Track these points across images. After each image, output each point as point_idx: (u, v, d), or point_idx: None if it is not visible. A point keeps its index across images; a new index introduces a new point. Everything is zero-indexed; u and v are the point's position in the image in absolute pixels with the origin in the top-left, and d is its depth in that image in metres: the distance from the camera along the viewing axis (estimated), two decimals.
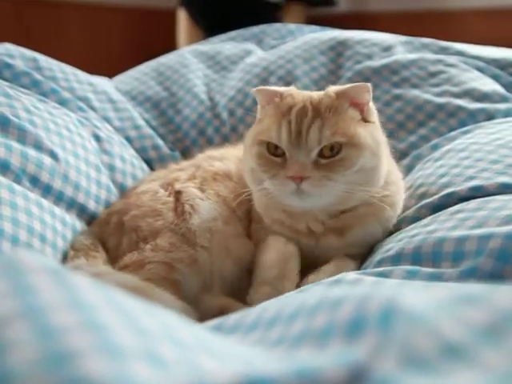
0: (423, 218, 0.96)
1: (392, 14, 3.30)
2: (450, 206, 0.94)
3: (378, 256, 0.89)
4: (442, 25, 3.00)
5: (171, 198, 1.01)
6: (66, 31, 3.59)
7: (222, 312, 0.94)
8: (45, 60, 1.40)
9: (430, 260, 0.80)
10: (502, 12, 2.86)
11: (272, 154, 0.92)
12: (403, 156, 1.26)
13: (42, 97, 1.25)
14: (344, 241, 0.98)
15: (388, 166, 0.99)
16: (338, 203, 0.94)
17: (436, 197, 0.98)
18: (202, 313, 0.95)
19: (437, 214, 0.92)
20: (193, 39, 3.19)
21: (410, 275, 0.77)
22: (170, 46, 3.39)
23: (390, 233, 1.00)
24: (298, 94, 0.96)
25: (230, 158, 1.09)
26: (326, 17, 3.68)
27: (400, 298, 0.45)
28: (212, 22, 3.09)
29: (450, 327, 0.41)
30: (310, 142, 0.89)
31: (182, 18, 3.26)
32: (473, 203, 0.89)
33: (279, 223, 1.00)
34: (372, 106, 0.97)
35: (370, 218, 0.97)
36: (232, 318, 0.62)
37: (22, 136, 1.05)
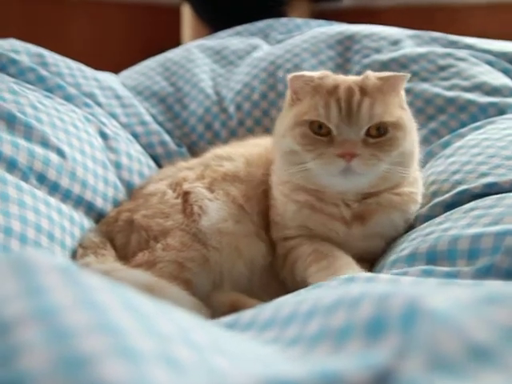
0: (438, 215, 0.95)
1: (398, 8, 3.27)
2: (464, 203, 0.93)
3: (392, 256, 0.88)
4: (449, 19, 2.97)
5: (179, 200, 1.00)
6: (72, 28, 3.58)
7: (233, 308, 0.93)
8: (51, 56, 1.39)
9: (445, 259, 0.79)
10: (508, 6, 2.83)
11: (316, 133, 0.91)
12: None
13: (47, 93, 1.24)
14: (366, 230, 0.96)
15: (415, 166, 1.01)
16: (377, 184, 0.94)
17: (449, 194, 0.97)
18: (212, 309, 0.94)
19: (450, 212, 0.91)
20: (198, 35, 3.17)
21: (425, 274, 0.75)
22: (175, 41, 3.38)
23: (404, 231, 0.99)
24: (336, 76, 0.98)
25: (238, 158, 1.07)
26: (331, 12, 3.65)
27: (422, 298, 0.44)
28: (216, 18, 3.07)
29: (476, 328, 0.39)
30: (361, 120, 0.89)
31: (187, 14, 3.23)
32: (487, 200, 0.87)
33: (309, 207, 0.97)
34: (403, 94, 0.99)
35: (394, 207, 0.97)
36: (247, 315, 0.61)
37: (29, 133, 1.03)
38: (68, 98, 1.28)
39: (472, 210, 0.87)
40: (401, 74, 0.96)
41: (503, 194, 0.89)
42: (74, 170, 1.07)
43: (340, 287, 0.71)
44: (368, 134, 0.90)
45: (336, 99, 0.90)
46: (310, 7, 3.55)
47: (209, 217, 0.96)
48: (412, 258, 0.83)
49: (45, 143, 1.05)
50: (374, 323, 0.44)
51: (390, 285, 0.67)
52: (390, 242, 0.99)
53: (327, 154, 0.89)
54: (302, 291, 0.76)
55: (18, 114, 1.04)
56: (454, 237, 0.80)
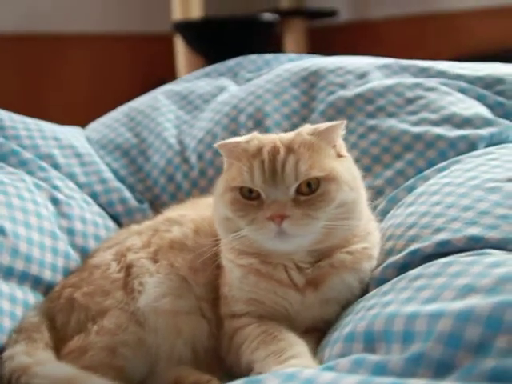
0: (390, 278, 0.89)
1: (393, 19, 3.20)
2: (415, 265, 0.87)
3: (335, 333, 0.83)
4: (444, 27, 2.89)
5: (121, 274, 0.96)
6: (69, 62, 3.60)
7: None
8: (9, 118, 1.37)
9: (383, 340, 0.73)
10: (502, 11, 2.73)
11: (246, 198, 0.88)
12: (380, 194, 1.17)
13: None
14: (320, 295, 0.91)
15: (367, 215, 0.96)
16: (320, 241, 0.88)
17: (401, 255, 0.91)
18: None
19: (398, 278, 0.85)
20: (191, 63, 3.15)
21: (356, 366, 0.69)
22: (172, 70, 3.37)
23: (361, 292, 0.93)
24: (264, 136, 0.95)
25: (187, 223, 1.03)
26: (327, 28, 3.60)
27: None
28: (206, 46, 3.05)
29: None
30: (286, 179, 0.85)
31: (179, 43, 3.22)
32: (434, 266, 0.81)
33: (254, 272, 0.92)
34: (342, 141, 0.95)
35: (346, 266, 0.91)
36: None
37: None
38: (22, 164, 1.25)
39: (416, 278, 0.80)
40: (336, 122, 0.91)
41: (451, 258, 0.82)
42: (15, 246, 1.04)
43: None
44: (299, 191, 0.85)
45: (260, 161, 0.87)
46: (305, 25, 3.51)
47: (146, 295, 0.92)
48: (351, 338, 0.77)
49: None
50: None
51: None
52: (346, 305, 0.92)
53: (258, 219, 0.85)
54: None
55: None
56: (391, 315, 0.74)
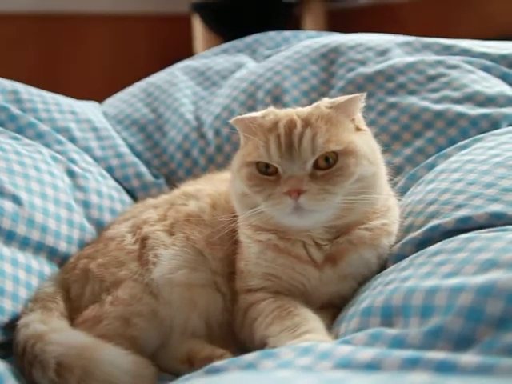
0: (408, 255, 0.87)
1: (415, 2, 3.14)
2: (434, 241, 0.85)
3: (351, 309, 0.82)
4: (467, 10, 2.83)
5: (137, 246, 0.96)
6: (87, 42, 3.59)
7: (189, 359, 0.88)
8: (26, 91, 1.36)
9: (400, 315, 0.71)
10: None
11: (263, 173, 0.86)
12: (398, 172, 1.15)
13: (15, 133, 1.21)
14: (338, 271, 0.89)
15: (386, 191, 0.94)
16: (339, 217, 0.87)
17: (421, 231, 0.89)
18: (167, 361, 0.89)
19: (417, 254, 0.83)
20: (209, 43, 3.12)
21: (373, 340, 0.68)
22: (190, 50, 3.35)
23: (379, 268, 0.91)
24: (280, 111, 0.93)
25: (204, 198, 1.02)
26: (347, 10, 3.54)
27: None
28: (225, 27, 3.02)
29: None
30: (303, 153, 0.83)
31: (197, 24, 3.20)
32: (454, 242, 0.79)
33: (272, 248, 0.90)
34: (360, 115, 0.93)
35: (365, 243, 0.89)
36: None
37: None
38: (39, 136, 1.25)
39: (436, 254, 0.78)
40: (355, 95, 0.89)
41: (472, 234, 0.80)
42: (31, 216, 1.04)
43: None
44: (316, 166, 0.83)
45: (276, 135, 0.85)
46: (325, 7, 3.45)
47: (161, 266, 0.91)
48: (368, 313, 0.76)
49: None
50: None
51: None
52: (363, 282, 0.91)
53: (275, 194, 0.83)
54: None
55: None
56: (410, 289, 0.72)
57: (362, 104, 0.91)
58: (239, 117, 0.93)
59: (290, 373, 0.57)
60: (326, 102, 0.91)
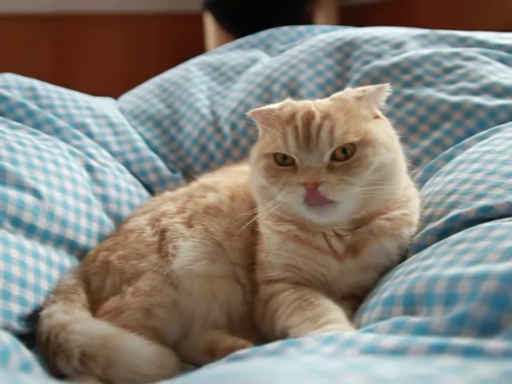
0: (429, 245, 0.87)
1: None
2: (455, 230, 0.85)
3: (373, 298, 0.82)
4: (483, 6, 2.81)
5: (156, 238, 0.96)
6: (100, 42, 3.61)
7: (211, 349, 0.88)
8: (43, 88, 1.38)
9: (423, 303, 0.71)
10: None
11: (281, 164, 0.86)
12: (416, 164, 1.15)
13: (34, 129, 1.22)
14: (359, 262, 0.89)
15: (406, 181, 0.94)
16: (359, 209, 0.86)
17: (441, 221, 0.89)
18: (189, 352, 0.90)
19: (438, 243, 0.83)
20: (221, 41, 3.13)
21: (396, 328, 0.68)
22: (202, 49, 3.35)
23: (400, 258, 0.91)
24: (298, 102, 0.93)
25: (222, 190, 1.02)
26: (359, 6, 3.53)
27: None
28: (237, 25, 3.02)
29: None
30: (320, 145, 0.83)
31: (209, 22, 3.20)
32: (476, 230, 0.79)
33: (293, 239, 0.90)
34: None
35: (385, 233, 0.89)
36: None
37: (2, 176, 1.02)
38: (56, 131, 1.26)
39: (458, 243, 0.78)
40: (382, 85, 0.89)
41: (494, 223, 0.80)
42: (51, 209, 1.05)
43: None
44: (334, 157, 0.83)
45: (293, 127, 0.85)
46: (338, 3, 3.44)
47: (181, 258, 0.91)
48: (390, 302, 0.76)
49: (20, 185, 1.03)
50: None
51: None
52: (383, 272, 0.91)
53: (291, 182, 0.84)
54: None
55: None
56: (433, 278, 0.72)
57: (384, 95, 0.91)
58: (257, 109, 0.93)
59: (317, 358, 0.57)
60: (350, 91, 0.91)
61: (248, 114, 0.95)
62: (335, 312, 0.83)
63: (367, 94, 0.88)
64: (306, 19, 3.34)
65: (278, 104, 0.93)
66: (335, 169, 0.83)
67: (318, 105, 0.90)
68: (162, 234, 0.97)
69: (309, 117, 0.86)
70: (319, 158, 0.83)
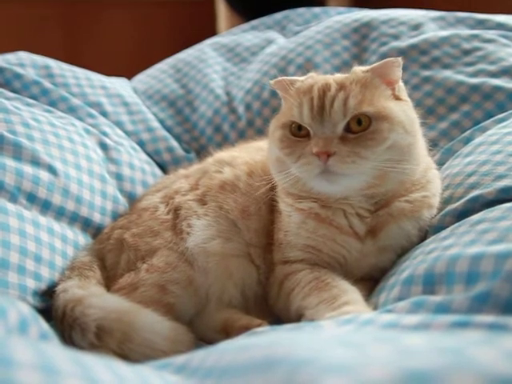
0: (448, 226, 0.86)
1: None
2: (475, 211, 0.84)
3: (392, 278, 0.81)
4: None
5: (170, 216, 0.96)
6: (110, 27, 3.60)
7: (225, 328, 0.88)
8: (57, 66, 1.37)
9: (444, 282, 0.70)
10: None
11: (295, 135, 0.87)
12: (433, 146, 1.13)
13: (49, 106, 1.22)
14: (378, 243, 0.88)
15: (426, 162, 0.93)
16: (374, 185, 0.85)
17: (461, 202, 0.88)
18: (203, 330, 0.90)
19: (458, 224, 0.82)
20: (233, 25, 3.10)
21: (416, 307, 0.67)
22: (213, 34, 3.33)
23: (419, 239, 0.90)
24: (319, 76, 0.94)
25: (240, 166, 1.00)
26: None
27: None
28: (249, 9, 2.99)
29: None
30: (334, 115, 0.83)
31: (221, 7, 3.18)
32: (497, 211, 0.78)
33: (314, 217, 0.89)
34: (402, 85, 0.92)
35: (405, 215, 0.88)
36: (194, 360, 0.55)
37: (18, 152, 1.01)
38: (71, 110, 1.25)
39: (479, 222, 0.77)
40: (389, 59, 0.88)
41: None
42: (66, 186, 1.04)
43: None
44: (349, 129, 0.83)
45: (309, 97, 0.85)
46: None
47: (195, 236, 0.91)
48: (409, 282, 0.75)
49: (35, 161, 1.02)
50: None
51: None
52: (402, 254, 0.90)
53: (305, 155, 0.83)
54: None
55: (6, 134, 1.02)
56: (454, 257, 0.71)
57: (399, 71, 0.89)
58: (279, 78, 0.93)
59: (339, 332, 0.57)
60: (360, 67, 0.91)
61: (271, 81, 0.95)
62: (352, 293, 0.82)
63: (374, 66, 0.88)
64: (319, 4, 3.30)
65: (303, 77, 0.93)
66: (349, 140, 0.82)
67: (337, 78, 0.90)
68: (176, 212, 0.97)
69: (325, 88, 0.86)
70: (332, 129, 0.83)
